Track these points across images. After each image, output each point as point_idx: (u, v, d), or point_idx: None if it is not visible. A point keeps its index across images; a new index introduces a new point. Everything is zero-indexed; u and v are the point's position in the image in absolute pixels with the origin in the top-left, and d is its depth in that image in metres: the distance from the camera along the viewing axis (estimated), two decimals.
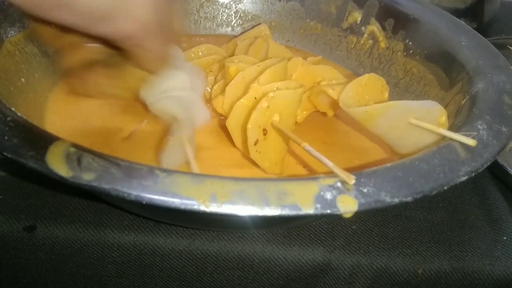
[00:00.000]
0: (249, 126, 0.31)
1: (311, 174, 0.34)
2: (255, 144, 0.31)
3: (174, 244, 0.32)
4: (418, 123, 0.30)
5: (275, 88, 0.33)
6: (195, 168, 0.26)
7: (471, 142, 0.27)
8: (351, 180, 0.23)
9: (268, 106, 0.31)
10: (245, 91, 0.33)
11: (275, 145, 0.33)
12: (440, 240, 0.34)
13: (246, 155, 0.33)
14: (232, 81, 0.34)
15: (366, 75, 0.34)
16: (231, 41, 0.45)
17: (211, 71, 0.40)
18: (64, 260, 0.32)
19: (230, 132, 0.33)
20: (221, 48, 0.42)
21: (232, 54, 0.42)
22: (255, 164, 0.33)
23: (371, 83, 0.35)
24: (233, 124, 0.33)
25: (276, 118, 0.32)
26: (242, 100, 0.32)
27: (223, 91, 0.35)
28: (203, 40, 0.49)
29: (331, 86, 0.35)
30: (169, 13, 0.26)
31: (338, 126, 0.40)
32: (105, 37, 0.23)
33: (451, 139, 0.28)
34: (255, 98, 0.32)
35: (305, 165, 0.35)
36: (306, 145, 0.28)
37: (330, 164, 0.25)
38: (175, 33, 0.27)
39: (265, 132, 0.32)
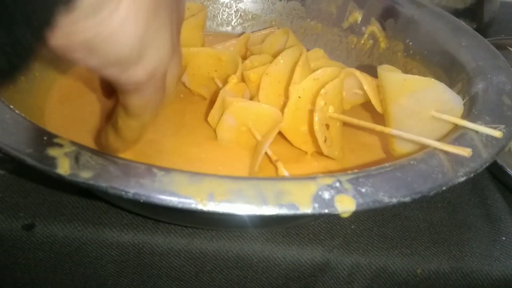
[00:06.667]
0: (316, 127, 0.32)
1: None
2: (325, 141, 0.32)
3: (173, 243, 0.32)
4: (440, 115, 0.29)
5: (315, 79, 0.33)
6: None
7: (497, 134, 0.27)
8: (468, 152, 0.24)
9: (325, 103, 0.32)
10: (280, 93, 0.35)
11: (337, 133, 0.34)
12: (439, 240, 0.34)
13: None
14: (263, 89, 0.35)
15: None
16: (242, 35, 0.44)
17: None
18: (63, 258, 0.32)
19: (287, 136, 0.34)
20: (218, 46, 0.41)
21: (244, 48, 0.43)
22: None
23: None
24: (288, 128, 0.34)
25: (331, 109, 0.33)
26: (289, 103, 0.33)
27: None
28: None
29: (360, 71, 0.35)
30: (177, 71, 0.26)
31: None
32: (112, 79, 0.22)
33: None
34: (299, 97, 0.33)
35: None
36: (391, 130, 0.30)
37: (435, 143, 0.25)
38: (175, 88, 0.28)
39: (327, 126, 0.33)
